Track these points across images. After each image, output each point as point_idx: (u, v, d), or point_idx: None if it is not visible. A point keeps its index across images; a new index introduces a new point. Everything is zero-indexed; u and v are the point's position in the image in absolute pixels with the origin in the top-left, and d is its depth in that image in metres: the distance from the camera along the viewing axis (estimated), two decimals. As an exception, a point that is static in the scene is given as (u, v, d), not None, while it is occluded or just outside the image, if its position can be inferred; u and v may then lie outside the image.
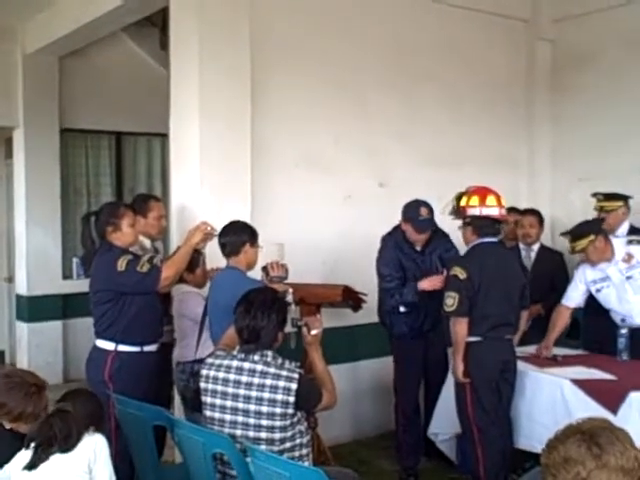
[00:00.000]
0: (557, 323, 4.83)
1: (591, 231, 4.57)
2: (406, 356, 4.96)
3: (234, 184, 4.89)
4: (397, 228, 4.92)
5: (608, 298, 4.70)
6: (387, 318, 4.98)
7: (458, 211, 4.47)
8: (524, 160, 6.77)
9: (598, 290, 4.72)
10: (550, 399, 4.22)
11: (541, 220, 5.81)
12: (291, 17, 5.37)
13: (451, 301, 4.18)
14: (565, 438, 1.87)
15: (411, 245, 4.87)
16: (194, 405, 3.36)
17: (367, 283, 4.89)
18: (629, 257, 4.61)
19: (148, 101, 7.45)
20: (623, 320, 4.63)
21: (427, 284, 4.65)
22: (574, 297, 4.82)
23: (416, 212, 4.72)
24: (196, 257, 4.38)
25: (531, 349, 4.84)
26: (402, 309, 4.81)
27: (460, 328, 4.21)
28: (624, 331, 4.54)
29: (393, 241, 4.89)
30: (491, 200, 4.31)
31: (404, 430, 5.01)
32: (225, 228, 4.09)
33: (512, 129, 6.69)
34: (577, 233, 4.61)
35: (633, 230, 5.23)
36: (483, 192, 4.36)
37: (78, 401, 3.08)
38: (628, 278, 4.60)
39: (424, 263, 4.87)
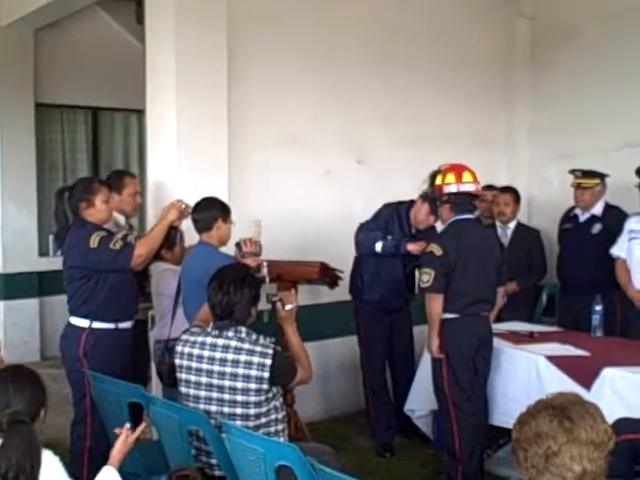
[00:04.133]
0: (625, 276, 4.91)
1: None
2: (371, 332, 5.01)
3: (211, 161, 4.85)
4: (401, 204, 4.94)
5: (633, 250, 4.83)
6: (360, 281, 5.00)
7: (433, 189, 4.46)
8: (502, 137, 6.76)
9: (631, 239, 4.86)
10: (525, 376, 4.25)
11: (517, 198, 5.81)
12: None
13: (427, 277, 4.17)
14: (536, 413, 1.87)
15: (409, 226, 4.89)
16: (170, 381, 3.35)
17: (344, 260, 4.90)
18: None
19: (125, 76, 7.35)
20: None
21: (414, 247, 4.65)
22: (623, 247, 4.94)
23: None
24: (174, 234, 4.35)
25: (507, 326, 4.87)
26: (378, 248, 4.77)
27: (435, 304, 4.20)
28: (598, 308, 4.57)
29: (394, 209, 4.92)
30: (467, 176, 4.28)
31: (373, 406, 5.07)
32: (198, 204, 4.08)
33: (490, 107, 6.66)
34: None
35: (608, 207, 5.27)
36: (458, 169, 4.33)
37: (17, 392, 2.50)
38: None
39: None
